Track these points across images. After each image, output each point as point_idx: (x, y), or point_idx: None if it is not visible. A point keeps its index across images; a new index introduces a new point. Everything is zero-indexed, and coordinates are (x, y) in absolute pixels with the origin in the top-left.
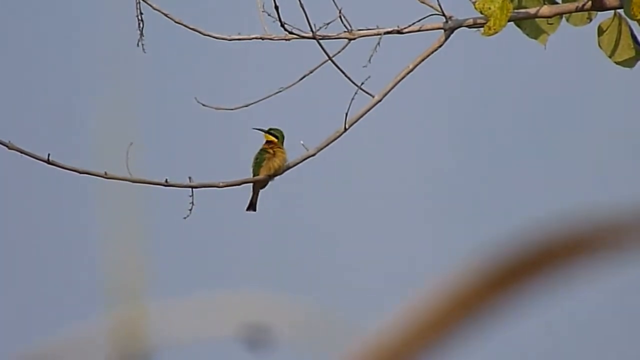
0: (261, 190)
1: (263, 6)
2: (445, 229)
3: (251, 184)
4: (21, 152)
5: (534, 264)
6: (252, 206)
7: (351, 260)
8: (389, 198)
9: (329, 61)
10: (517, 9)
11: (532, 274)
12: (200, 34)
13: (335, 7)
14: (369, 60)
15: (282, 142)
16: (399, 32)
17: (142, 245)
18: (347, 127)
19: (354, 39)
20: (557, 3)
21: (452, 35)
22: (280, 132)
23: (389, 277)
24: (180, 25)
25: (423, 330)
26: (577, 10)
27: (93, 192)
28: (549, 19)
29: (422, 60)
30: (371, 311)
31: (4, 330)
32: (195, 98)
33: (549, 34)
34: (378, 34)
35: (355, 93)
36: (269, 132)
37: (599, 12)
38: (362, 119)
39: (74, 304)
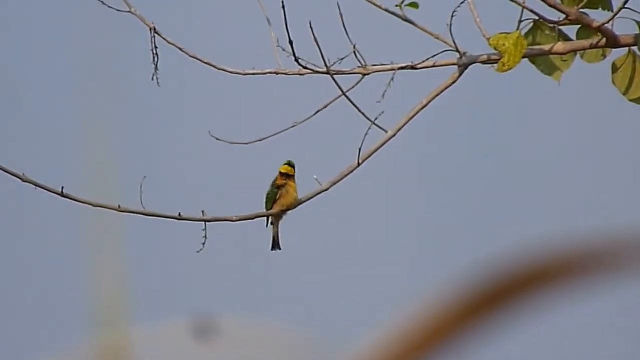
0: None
1: (278, 41)
2: (456, 260)
3: (271, 223)
4: (35, 185)
5: (525, 284)
6: (276, 244)
7: (359, 293)
8: (398, 233)
9: (343, 96)
10: (531, 45)
11: (523, 294)
12: (214, 68)
13: (349, 42)
14: (383, 95)
15: (295, 175)
16: (413, 67)
17: (127, 273)
18: (360, 162)
19: (368, 74)
20: (571, 40)
21: (466, 72)
22: (293, 165)
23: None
24: (194, 59)
25: (415, 346)
26: (592, 47)
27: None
28: (563, 56)
29: (436, 96)
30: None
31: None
32: (210, 132)
33: (563, 71)
34: (392, 70)
35: (369, 128)
36: (288, 164)
37: (613, 50)
38: (375, 154)
39: (70, 330)
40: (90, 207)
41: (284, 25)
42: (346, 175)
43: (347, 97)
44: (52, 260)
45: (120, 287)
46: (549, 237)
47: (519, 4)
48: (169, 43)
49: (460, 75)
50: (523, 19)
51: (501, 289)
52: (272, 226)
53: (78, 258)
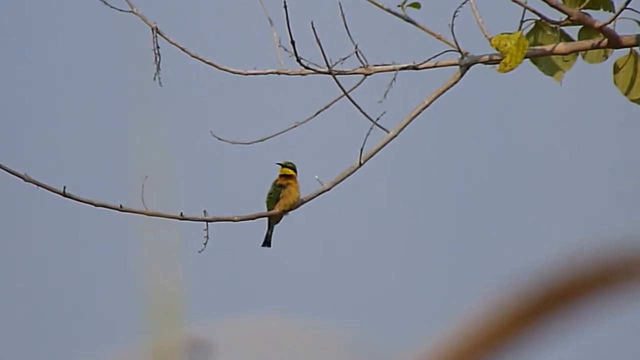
0: (275, 225)
1: (279, 41)
2: (456, 263)
3: (266, 219)
4: (37, 185)
5: (560, 296)
6: (267, 242)
7: (358, 290)
8: (401, 233)
9: (345, 96)
10: (533, 45)
11: (559, 306)
12: (216, 68)
13: (351, 42)
14: (385, 95)
15: (296, 176)
16: (414, 67)
17: (176, 274)
18: (362, 162)
19: (370, 74)
20: (573, 40)
21: (467, 72)
22: (294, 166)
23: (398, 310)
24: (196, 59)
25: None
26: (593, 47)
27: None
28: (565, 56)
29: (438, 96)
30: (387, 340)
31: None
32: (211, 132)
33: (564, 71)
34: (394, 70)
35: (371, 128)
36: (286, 165)
37: (615, 50)
38: (377, 154)
39: (122, 331)
40: (93, 206)
41: (286, 25)
42: (348, 175)
43: (348, 97)
44: (105, 262)
45: (173, 289)
46: (589, 245)
47: (521, 4)
48: (171, 43)
49: (462, 75)
50: (525, 19)
51: (549, 296)
52: (268, 224)
53: (130, 261)
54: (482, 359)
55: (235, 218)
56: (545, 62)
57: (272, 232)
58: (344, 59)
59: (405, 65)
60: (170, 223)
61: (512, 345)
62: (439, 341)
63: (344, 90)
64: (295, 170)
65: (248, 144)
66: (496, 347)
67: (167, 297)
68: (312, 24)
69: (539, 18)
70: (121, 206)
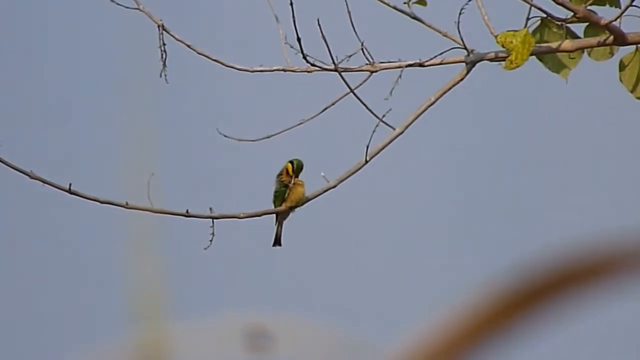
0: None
1: (285, 38)
2: (462, 260)
3: (275, 218)
4: (43, 182)
5: (556, 285)
6: (277, 241)
7: (370, 289)
8: (408, 229)
9: (351, 93)
10: (538, 43)
11: (555, 294)
12: (222, 65)
13: (357, 39)
14: (391, 92)
15: (300, 173)
16: (420, 65)
17: (163, 270)
18: (368, 159)
19: (376, 71)
20: (579, 37)
21: (473, 69)
22: (301, 163)
23: (404, 306)
24: (202, 56)
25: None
26: (599, 44)
27: (115, 221)
28: (571, 54)
29: (444, 93)
30: (390, 337)
31: (28, 355)
32: (217, 129)
33: (570, 69)
34: (400, 67)
35: (377, 125)
36: (293, 163)
37: (620, 47)
38: (383, 151)
39: (97, 326)
40: (99, 203)
41: (292, 22)
42: (353, 173)
43: (354, 94)
44: (90, 258)
45: (158, 284)
46: (582, 238)
47: (527, 2)
48: (177, 40)
49: (468, 72)
50: (531, 16)
51: (538, 288)
52: (276, 223)
53: (116, 257)
54: (468, 352)
55: (241, 215)
56: (551, 59)
57: (281, 230)
58: (350, 56)
59: (411, 62)
60: (176, 220)
61: (499, 338)
62: (425, 333)
63: (350, 88)
64: (301, 167)
65: (254, 141)
66: (481, 340)
67: (161, 294)
68: (318, 21)
69: (544, 15)
70: (127, 203)
